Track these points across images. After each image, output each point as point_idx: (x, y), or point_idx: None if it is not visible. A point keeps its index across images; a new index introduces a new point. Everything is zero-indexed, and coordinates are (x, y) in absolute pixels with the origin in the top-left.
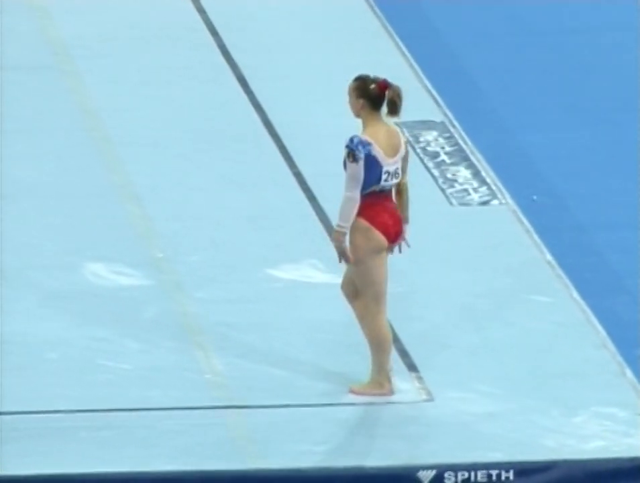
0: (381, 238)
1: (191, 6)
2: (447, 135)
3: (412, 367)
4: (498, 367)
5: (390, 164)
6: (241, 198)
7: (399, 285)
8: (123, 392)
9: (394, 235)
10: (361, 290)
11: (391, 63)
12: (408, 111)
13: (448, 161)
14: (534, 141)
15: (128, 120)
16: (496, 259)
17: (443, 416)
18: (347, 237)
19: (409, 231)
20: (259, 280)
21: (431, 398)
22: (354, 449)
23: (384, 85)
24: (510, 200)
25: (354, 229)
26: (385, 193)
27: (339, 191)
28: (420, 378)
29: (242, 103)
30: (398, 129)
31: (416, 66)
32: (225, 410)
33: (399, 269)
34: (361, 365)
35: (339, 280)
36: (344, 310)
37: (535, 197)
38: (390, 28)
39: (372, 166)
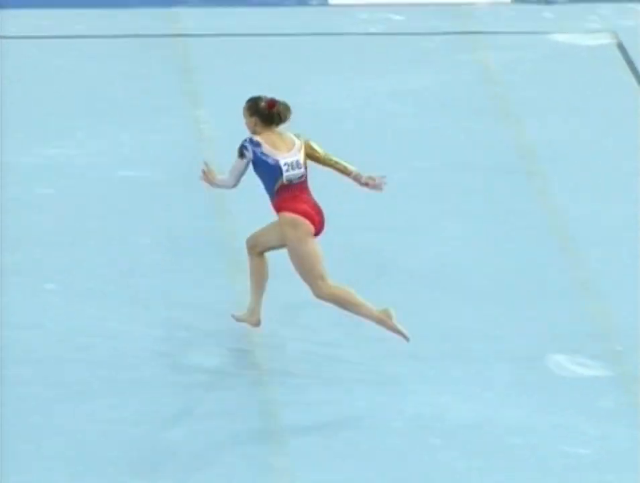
0: (307, 223)
1: None
2: None
3: None
4: None
5: (286, 157)
6: None
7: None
8: (581, 476)
9: (318, 223)
10: (305, 277)
11: None
12: None
13: None
14: None
15: (593, 220)
16: None
17: None
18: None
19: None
20: None
21: None
22: None
23: (272, 103)
24: None
25: (282, 224)
26: (297, 185)
27: None
28: None
29: None
30: (292, 135)
31: None
32: None
33: None
34: None
35: None
36: None
37: None
38: None
39: (266, 163)
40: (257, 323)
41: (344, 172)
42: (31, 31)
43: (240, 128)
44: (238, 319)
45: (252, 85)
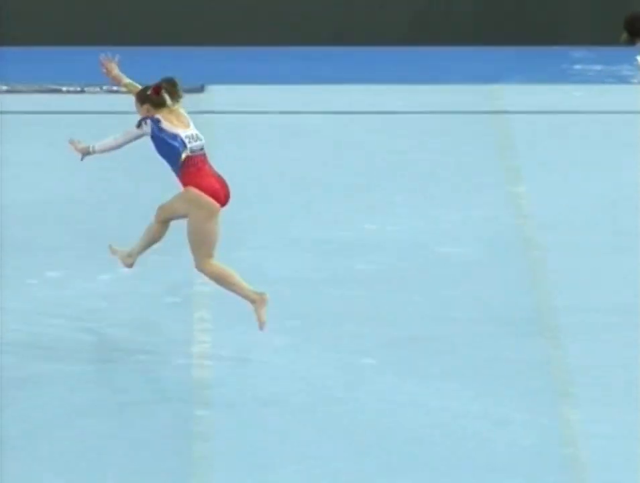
0: (212, 202)
1: None
2: None
3: None
4: None
5: (187, 131)
6: None
7: None
8: None
9: (223, 197)
10: (194, 250)
11: None
12: None
13: None
14: None
15: None
16: None
17: None
18: (180, 205)
19: None
20: None
21: None
22: None
23: (157, 88)
24: None
25: (187, 200)
26: (199, 157)
27: None
28: None
29: None
30: (184, 112)
31: None
32: None
33: None
34: None
35: None
36: None
37: None
38: None
39: (166, 137)
40: (131, 265)
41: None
42: (343, 106)
43: (561, 203)
44: (114, 252)
45: (573, 162)
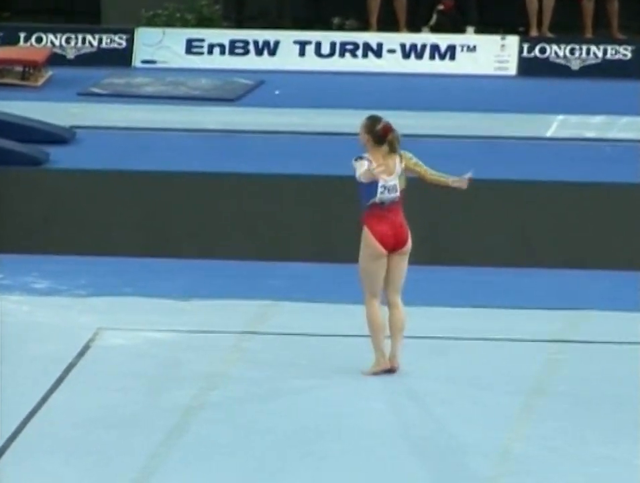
0: (377, 246)
1: None
2: None
3: None
4: None
5: (386, 180)
6: None
7: None
8: None
9: (393, 244)
10: (362, 286)
11: None
12: None
13: None
14: None
15: None
16: None
17: None
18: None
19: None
20: None
21: None
22: None
23: (386, 129)
24: None
25: (362, 236)
26: (387, 207)
27: None
28: None
29: None
30: (397, 157)
31: None
32: None
33: None
34: None
35: None
36: None
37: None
38: None
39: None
40: (386, 365)
41: (443, 183)
42: None
43: None
44: (369, 373)
45: None
